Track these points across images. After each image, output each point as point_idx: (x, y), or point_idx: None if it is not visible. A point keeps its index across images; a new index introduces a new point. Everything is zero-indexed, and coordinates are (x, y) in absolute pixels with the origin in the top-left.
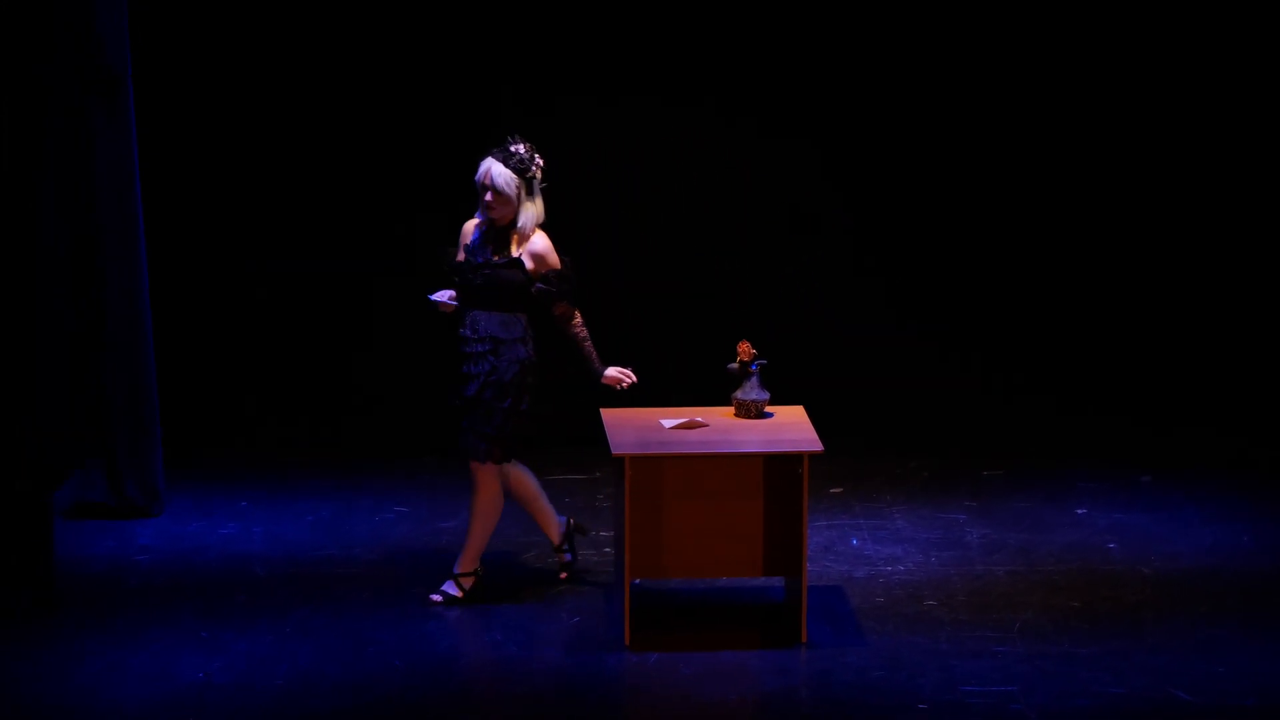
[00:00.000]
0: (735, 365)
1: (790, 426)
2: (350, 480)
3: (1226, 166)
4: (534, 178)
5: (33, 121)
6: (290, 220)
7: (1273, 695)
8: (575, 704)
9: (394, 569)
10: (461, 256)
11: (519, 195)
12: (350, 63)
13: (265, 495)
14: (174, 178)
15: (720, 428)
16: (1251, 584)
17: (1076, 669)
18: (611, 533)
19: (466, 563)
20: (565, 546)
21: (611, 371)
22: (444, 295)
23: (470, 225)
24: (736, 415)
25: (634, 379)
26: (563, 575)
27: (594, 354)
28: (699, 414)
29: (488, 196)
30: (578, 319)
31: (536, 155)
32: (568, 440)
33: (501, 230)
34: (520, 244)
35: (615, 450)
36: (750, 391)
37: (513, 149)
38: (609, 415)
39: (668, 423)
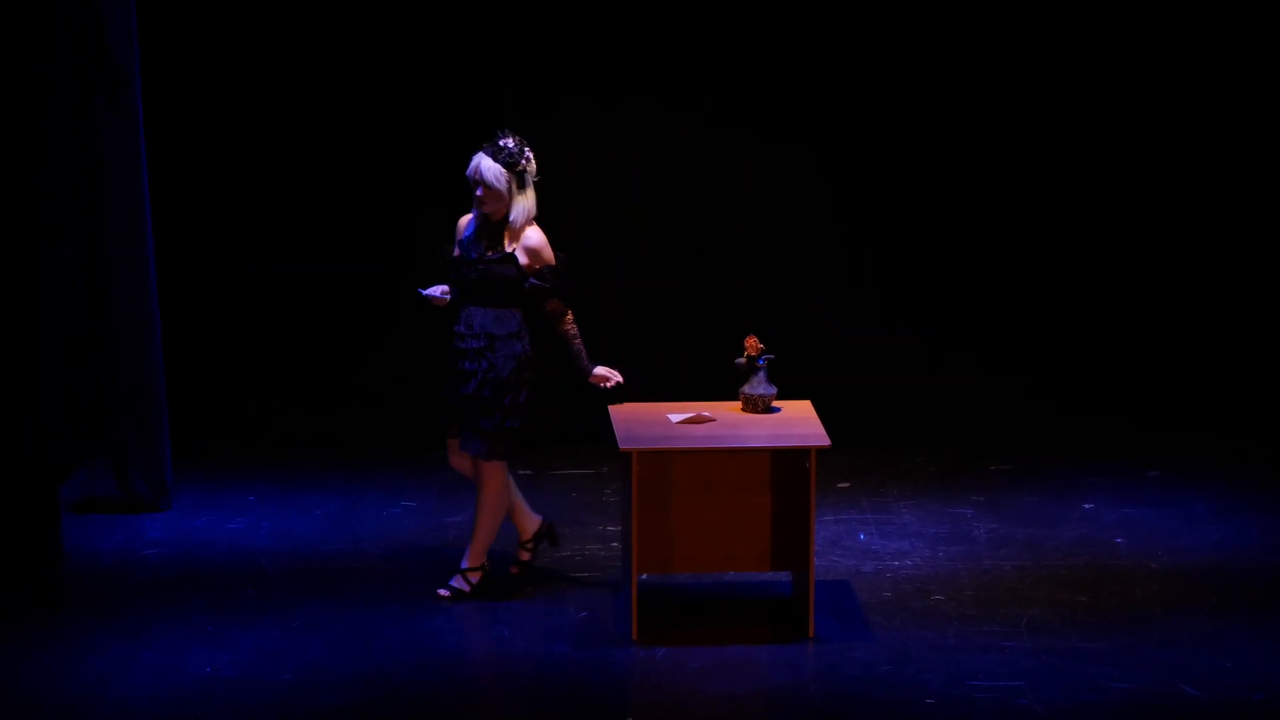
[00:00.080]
0: (742, 360)
1: (797, 421)
2: (358, 475)
3: (1228, 166)
4: (524, 171)
5: (36, 119)
6: (297, 217)
7: None
8: (583, 698)
9: (402, 564)
10: (456, 252)
11: (510, 189)
12: (354, 61)
13: (273, 490)
14: (181, 173)
15: (727, 422)
16: (1259, 579)
17: (1084, 664)
18: (619, 527)
19: (474, 557)
20: (531, 544)
21: (599, 370)
22: (436, 290)
23: (464, 221)
24: (744, 410)
25: (620, 379)
26: (513, 570)
27: (583, 352)
28: (706, 409)
29: (479, 191)
30: (569, 316)
31: (527, 149)
32: (574, 436)
33: (495, 225)
34: (514, 239)
35: (622, 445)
36: (757, 386)
37: (502, 143)
38: (616, 410)
39: (675, 417)
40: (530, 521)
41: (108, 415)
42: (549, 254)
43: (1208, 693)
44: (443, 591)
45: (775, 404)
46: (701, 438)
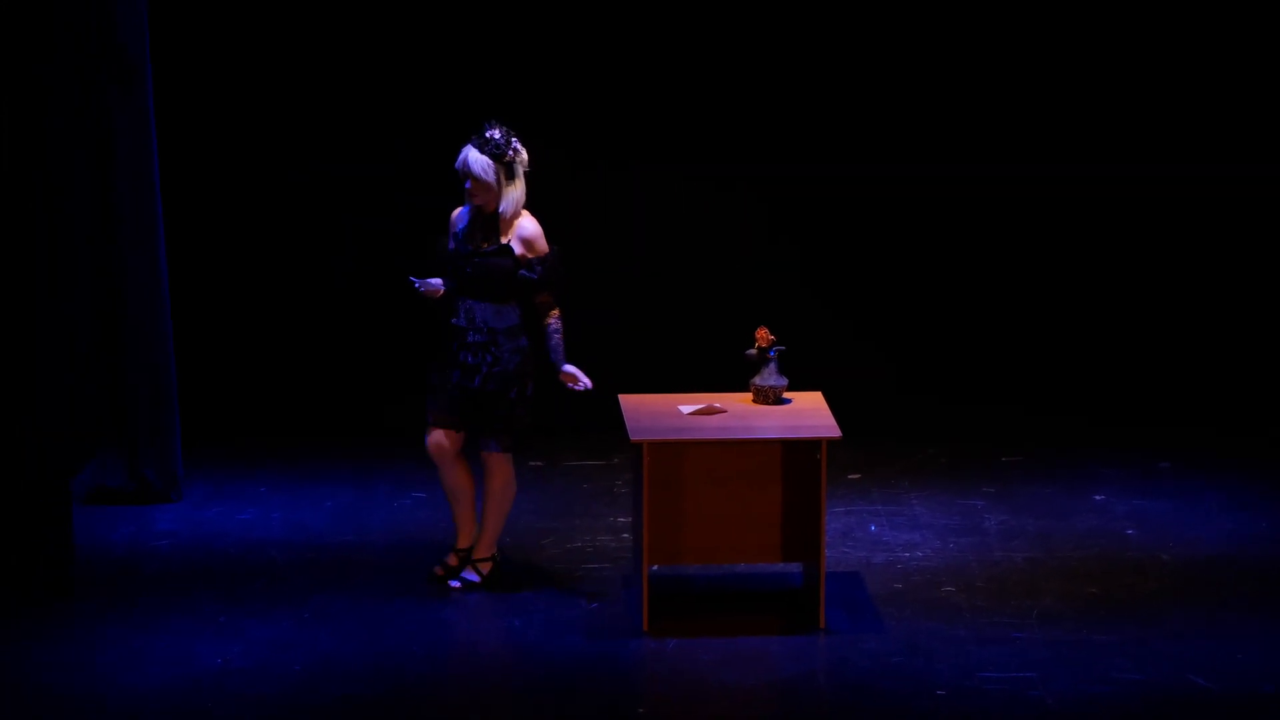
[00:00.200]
0: (753, 351)
1: (808, 412)
2: (368, 466)
3: (1230, 165)
4: (512, 162)
5: (46, 111)
6: (304, 214)
7: None
8: (594, 690)
9: (412, 555)
10: (451, 245)
11: (499, 180)
12: (360, 59)
13: (284, 481)
14: (194, 164)
15: (738, 413)
16: (1270, 570)
17: (1095, 655)
18: (629, 519)
19: (483, 548)
20: (464, 560)
21: (569, 368)
22: (432, 282)
23: (457, 213)
24: (755, 401)
25: (589, 384)
26: (438, 570)
27: (560, 348)
28: (717, 400)
29: (468, 184)
30: (555, 312)
31: (514, 139)
32: (585, 426)
33: (489, 217)
34: (508, 230)
35: (633, 436)
36: (768, 377)
37: (489, 134)
38: (627, 401)
39: (686, 409)
40: (472, 535)
41: (119, 406)
42: (543, 244)
43: (1219, 684)
44: (454, 583)
45: (786, 395)
46: (712, 429)
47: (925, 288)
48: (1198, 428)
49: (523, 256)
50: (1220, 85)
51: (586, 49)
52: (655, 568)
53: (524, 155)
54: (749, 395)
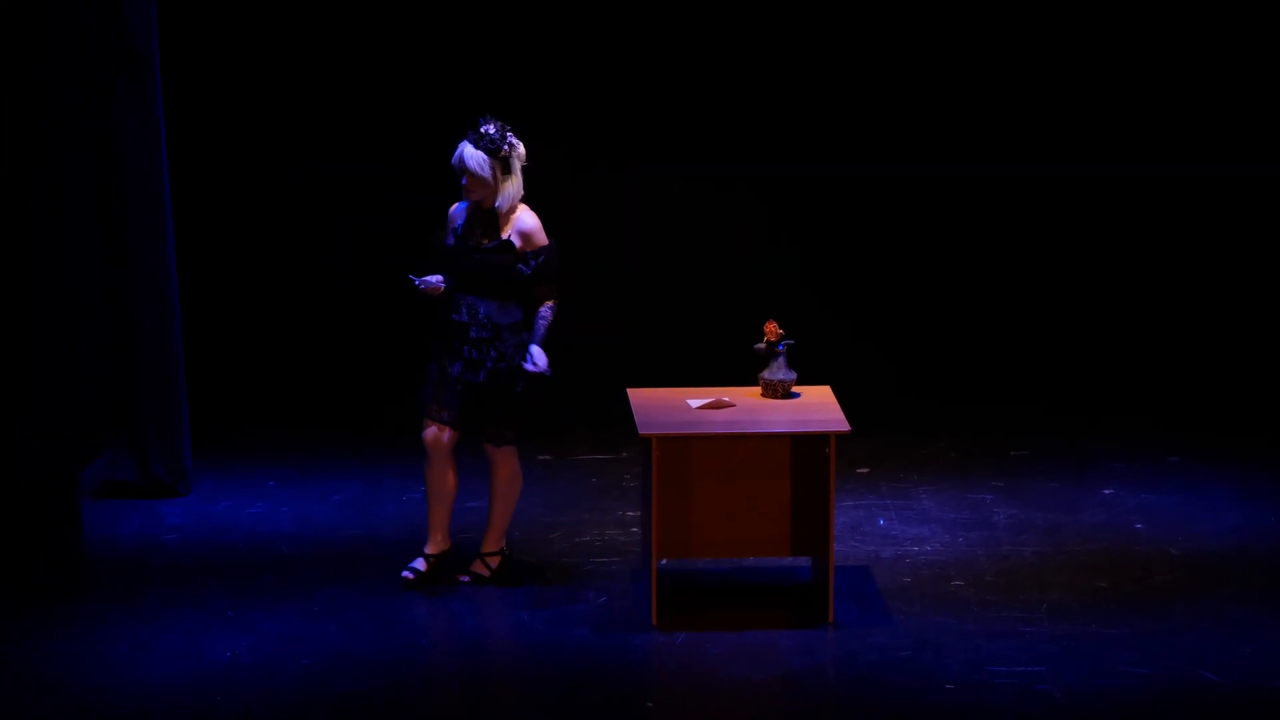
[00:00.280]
0: (762, 345)
1: (817, 406)
2: (377, 459)
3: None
4: (508, 156)
5: (54, 104)
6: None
7: None
8: (602, 684)
9: (421, 549)
10: (450, 240)
11: (495, 175)
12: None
13: (293, 475)
14: (194, 164)
15: (747, 408)
16: (1279, 564)
17: (1104, 649)
18: (638, 513)
19: (492, 542)
20: (433, 566)
21: (535, 349)
22: (432, 279)
23: (455, 209)
24: (763, 395)
25: (545, 369)
26: (409, 576)
27: (541, 331)
28: (726, 394)
29: (464, 180)
30: (551, 301)
31: (509, 133)
32: (594, 421)
33: (488, 213)
34: (507, 224)
35: (642, 430)
36: (777, 371)
37: (484, 130)
38: (636, 395)
39: (694, 403)
40: (441, 545)
41: (128, 400)
42: (542, 238)
43: (1228, 678)
44: (463, 577)
45: (795, 389)
46: (721, 423)
47: (926, 287)
48: (1207, 421)
49: (522, 250)
50: (1220, 85)
51: (586, 49)
52: (664, 562)
53: (520, 149)
54: (758, 389)
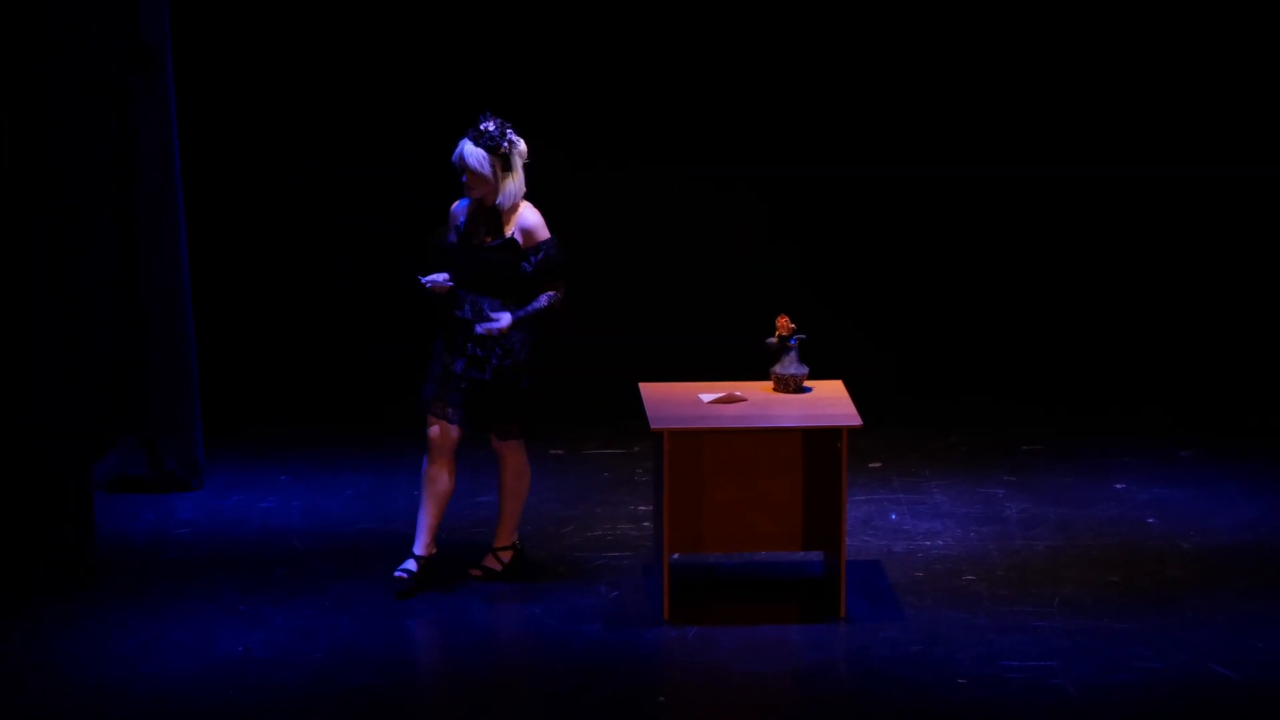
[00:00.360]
0: (774, 340)
1: (829, 401)
2: (389, 454)
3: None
4: (508, 153)
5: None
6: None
7: None
8: (614, 678)
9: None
10: (452, 238)
11: (495, 172)
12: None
13: (305, 469)
14: (194, 164)
15: (759, 402)
16: None
17: (1116, 644)
18: (650, 507)
19: (503, 536)
20: (423, 568)
21: (504, 318)
22: (438, 277)
23: (457, 206)
24: (775, 390)
25: (495, 329)
26: (401, 575)
27: (529, 311)
28: (737, 388)
29: (465, 178)
30: (550, 294)
31: (509, 130)
32: (606, 415)
33: (490, 210)
34: (510, 221)
35: (654, 425)
36: (789, 366)
37: (483, 127)
38: (647, 390)
39: (706, 397)
40: (431, 545)
41: (140, 394)
42: (544, 234)
43: (1240, 673)
44: (474, 571)
45: (807, 384)
46: (733, 417)
47: (926, 287)
48: (1219, 416)
49: (525, 246)
50: (1220, 85)
51: (586, 49)
52: (676, 556)
53: (521, 146)
54: (769, 384)
